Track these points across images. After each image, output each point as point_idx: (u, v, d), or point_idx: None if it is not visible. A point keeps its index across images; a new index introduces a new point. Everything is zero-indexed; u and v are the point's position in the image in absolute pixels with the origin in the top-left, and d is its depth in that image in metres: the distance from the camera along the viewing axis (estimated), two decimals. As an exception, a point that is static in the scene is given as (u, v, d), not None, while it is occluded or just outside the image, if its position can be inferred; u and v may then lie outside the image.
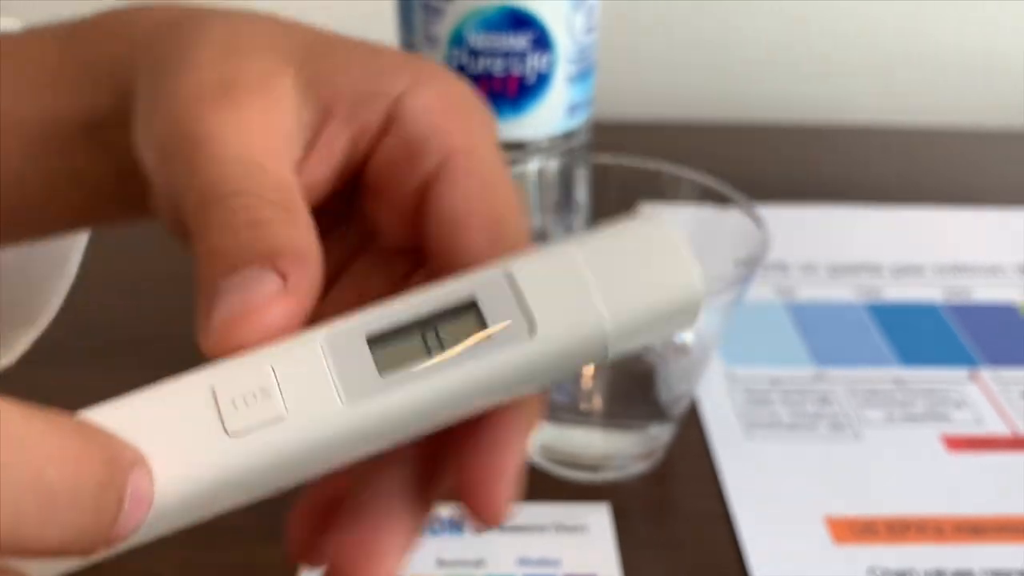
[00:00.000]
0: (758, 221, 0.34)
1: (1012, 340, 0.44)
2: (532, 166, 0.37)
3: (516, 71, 0.37)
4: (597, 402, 0.36)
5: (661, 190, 0.36)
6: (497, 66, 0.37)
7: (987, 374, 0.41)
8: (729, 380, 0.41)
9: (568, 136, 0.40)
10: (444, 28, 0.37)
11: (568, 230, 0.39)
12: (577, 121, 0.40)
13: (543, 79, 0.37)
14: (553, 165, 0.38)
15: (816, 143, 0.65)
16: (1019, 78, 0.67)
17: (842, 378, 0.41)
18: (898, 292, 0.47)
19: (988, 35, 0.66)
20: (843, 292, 0.47)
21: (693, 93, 0.67)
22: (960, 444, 0.38)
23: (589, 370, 0.34)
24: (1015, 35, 0.66)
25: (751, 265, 0.33)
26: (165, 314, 0.38)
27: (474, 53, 0.37)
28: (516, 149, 0.39)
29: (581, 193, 0.38)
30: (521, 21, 0.36)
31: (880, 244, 0.51)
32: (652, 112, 0.67)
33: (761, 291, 0.47)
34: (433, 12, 0.37)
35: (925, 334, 0.44)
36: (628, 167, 0.36)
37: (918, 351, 0.43)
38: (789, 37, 0.66)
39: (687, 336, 0.36)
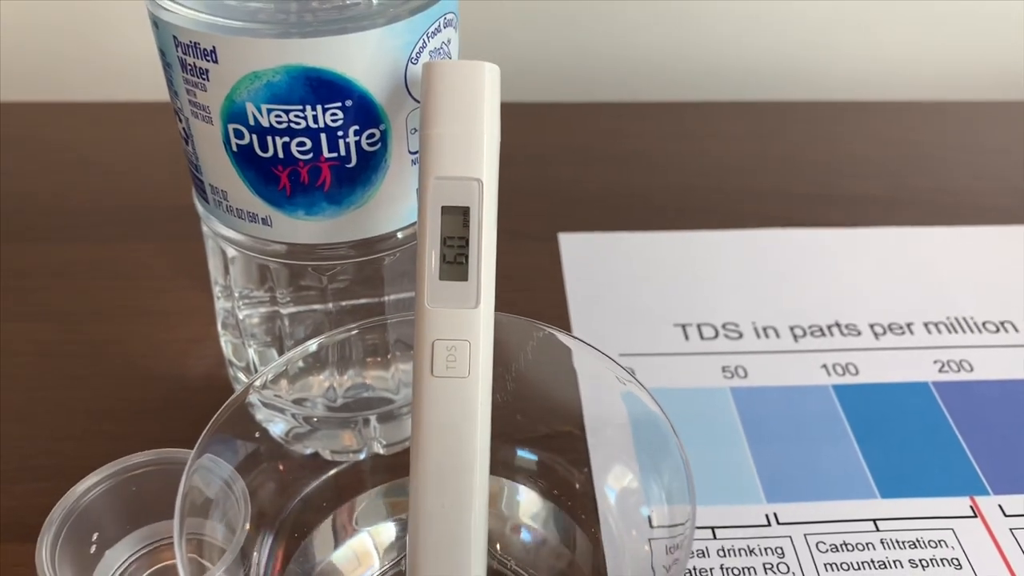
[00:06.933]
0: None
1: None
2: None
3: (330, 154, 0.25)
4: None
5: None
6: (299, 149, 0.25)
7: (996, 505, 0.32)
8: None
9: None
10: (214, 97, 0.25)
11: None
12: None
13: (372, 160, 0.26)
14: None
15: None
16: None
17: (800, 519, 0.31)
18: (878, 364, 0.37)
19: None
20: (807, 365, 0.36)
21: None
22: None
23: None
24: None
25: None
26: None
27: (262, 132, 0.25)
28: (359, 249, 0.27)
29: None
30: (325, 87, 0.24)
31: (855, 289, 0.40)
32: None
33: (702, 367, 0.36)
34: (195, 73, 0.25)
35: (913, 437, 0.34)
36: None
37: (902, 468, 0.33)
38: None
39: None
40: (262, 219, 0.26)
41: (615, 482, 0.27)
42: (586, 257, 0.42)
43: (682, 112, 0.55)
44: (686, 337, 0.38)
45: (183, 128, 0.26)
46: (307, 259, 0.27)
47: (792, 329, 0.38)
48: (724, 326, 0.38)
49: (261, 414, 0.31)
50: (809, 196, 0.47)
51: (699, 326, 0.38)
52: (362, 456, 0.31)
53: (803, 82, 0.57)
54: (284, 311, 0.29)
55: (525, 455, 0.28)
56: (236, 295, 0.30)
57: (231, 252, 0.28)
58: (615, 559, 0.26)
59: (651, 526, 0.26)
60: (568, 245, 0.42)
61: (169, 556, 0.28)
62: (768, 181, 0.48)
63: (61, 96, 0.55)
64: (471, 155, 0.23)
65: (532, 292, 0.40)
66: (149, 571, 0.28)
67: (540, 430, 0.28)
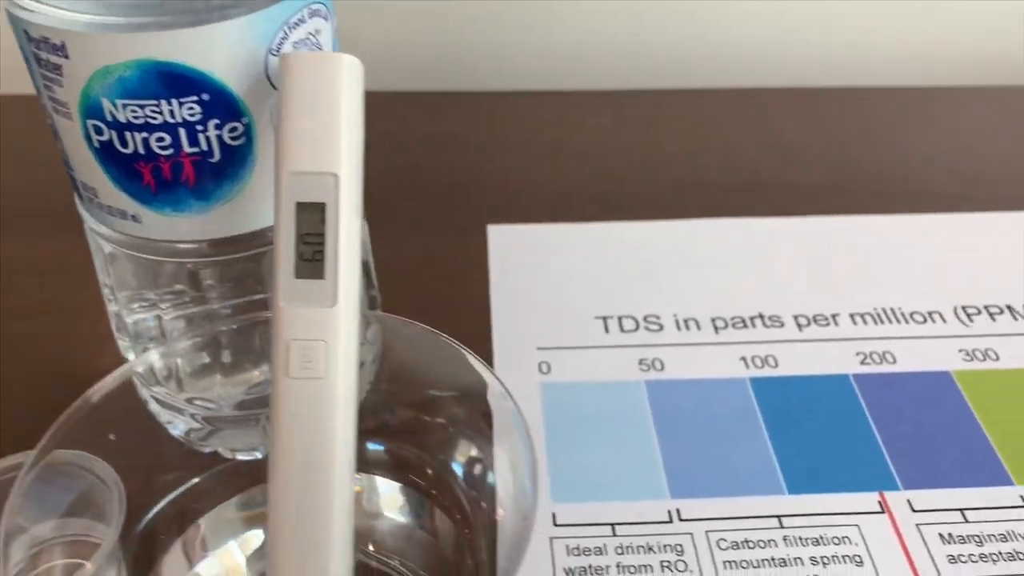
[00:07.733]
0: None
1: (944, 437, 0.33)
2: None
3: (191, 149, 0.25)
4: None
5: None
6: (159, 144, 0.24)
7: (904, 500, 0.31)
8: (549, 525, 0.30)
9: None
10: (70, 93, 0.24)
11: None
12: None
13: (237, 154, 0.25)
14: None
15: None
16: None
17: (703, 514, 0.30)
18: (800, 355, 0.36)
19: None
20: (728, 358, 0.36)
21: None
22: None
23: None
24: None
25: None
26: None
27: (120, 127, 0.24)
28: (235, 245, 0.27)
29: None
30: (178, 80, 0.23)
31: (782, 280, 0.39)
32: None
33: (619, 360, 0.36)
34: (49, 68, 0.24)
35: (828, 430, 0.33)
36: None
37: (812, 463, 0.32)
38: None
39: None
40: (131, 216, 0.26)
41: (468, 469, 0.26)
42: (514, 249, 0.41)
43: (613, 101, 0.54)
44: (606, 330, 0.37)
45: (51, 124, 0.26)
46: (181, 256, 0.27)
47: (714, 321, 0.37)
48: (645, 318, 0.37)
49: (164, 415, 0.30)
50: (740, 184, 0.46)
51: (620, 318, 0.37)
52: (260, 455, 0.31)
53: (733, 70, 0.56)
54: (166, 313, 0.28)
55: (379, 448, 0.27)
56: (122, 297, 0.29)
57: (108, 249, 0.28)
58: (478, 541, 0.25)
59: (504, 513, 0.25)
60: (496, 237, 0.42)
61: (46, 559, 0.27)
62: (697, 171, 0.47)
63: None
64: (327, 149, 0.23)
65: (456, 284, 0.40)
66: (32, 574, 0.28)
67: (396, 421, 0.27)
